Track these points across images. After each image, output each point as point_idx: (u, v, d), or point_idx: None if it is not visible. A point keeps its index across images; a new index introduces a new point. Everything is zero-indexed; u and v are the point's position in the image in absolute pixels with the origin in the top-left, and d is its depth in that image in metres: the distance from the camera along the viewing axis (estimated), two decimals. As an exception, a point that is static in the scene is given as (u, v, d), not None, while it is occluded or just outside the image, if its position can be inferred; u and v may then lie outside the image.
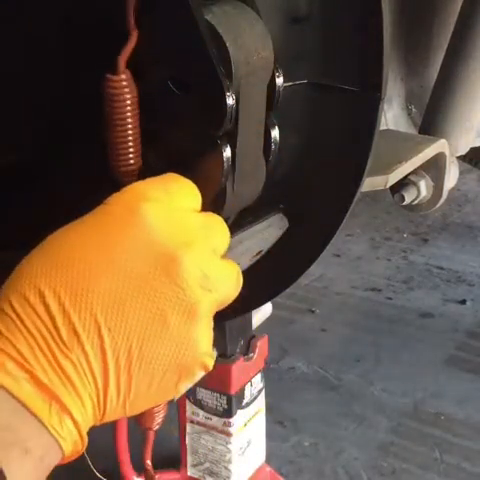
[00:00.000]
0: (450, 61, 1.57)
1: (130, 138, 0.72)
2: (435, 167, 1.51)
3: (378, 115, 0.87)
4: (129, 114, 0.71)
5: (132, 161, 0.73)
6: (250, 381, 1.85)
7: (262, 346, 1.85)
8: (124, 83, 0.70)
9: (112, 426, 1.94)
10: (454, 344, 2.68)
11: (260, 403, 1.91)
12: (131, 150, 0.72)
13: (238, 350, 1.79)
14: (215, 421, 1.84)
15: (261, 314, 1.81)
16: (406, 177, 1.49)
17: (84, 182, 0.81)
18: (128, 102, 0.70)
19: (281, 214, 0.90)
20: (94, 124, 0.76)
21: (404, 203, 1.56)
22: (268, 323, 1.82)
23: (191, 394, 1.83)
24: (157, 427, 1.13)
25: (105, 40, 0.71)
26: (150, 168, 0.74)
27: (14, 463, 0.53)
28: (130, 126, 0.71)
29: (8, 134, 0.82)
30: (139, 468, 2.00)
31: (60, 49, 0.75)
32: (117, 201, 0.64)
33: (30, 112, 0.81)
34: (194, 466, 1.93)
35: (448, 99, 1.57)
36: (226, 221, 0.78)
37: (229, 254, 0.84)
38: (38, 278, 0.58)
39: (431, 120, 1.60)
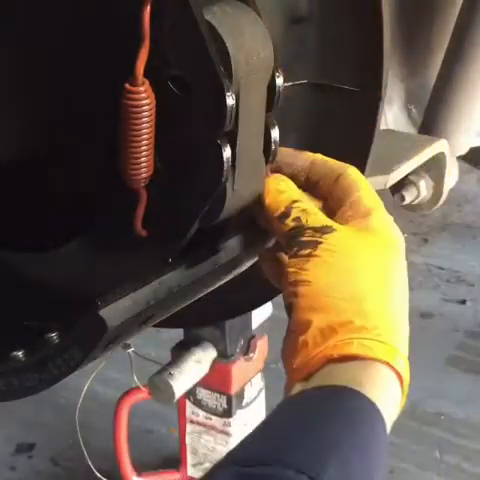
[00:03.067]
0: (450, 61, 1.57)
1: (144, 148, 0.71)
2: (435, 167, 1.51)
3: (378, 115, 0.87)
4: (146, 125, 0.70)
5: (144, 170, 0.73)
6: (250, 381, 1.85)
7: (262, 346, 1.85)
8: (143, 95, 0.69)
9: (112, 426, 1.95)
10: (454, 344, 2.69)
11: (260, 403, 1.91)
12: (144, 160, 0.72)
13: (238, 350, 1.79)
14: (215, 421, 1.84)
15: (261, 314, 1.81)
16: (406, 177, 1.49)
17: (84, 181, 0.81)
18: (146, 113, 0.70)
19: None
20: (96, 124, 0.76)
21: (404, 203, 1.56)
22: (268, 323, 1.82)
23: (191, 394, 1.83)
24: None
25: (110, 40, 0.71)
26: (155, 169, 0.74)
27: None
28: (146, 136, 0.71)
29: (8, 134, 0.83)
30: (139, 468, 2.00)
31: (64, 48, 0.75)
32: None
33: (30, 111, 0.81)
34: (194, 466, 1.94)
35: (448, 99, 1.57)
36: (226, 221, 0.78)
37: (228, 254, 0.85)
38: None
39: (431, 120, 1.60)
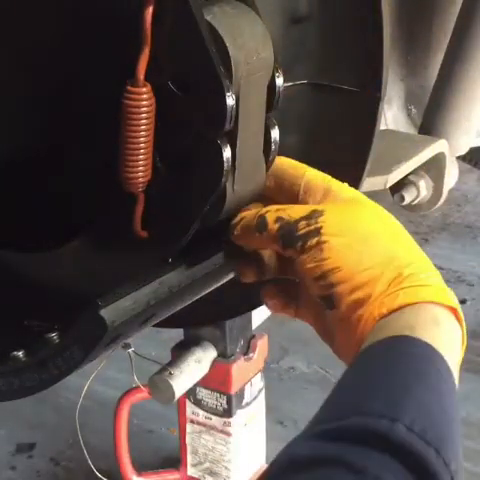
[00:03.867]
0: (450, 61, 1.57)
1: (142, 151, 0.71)
2: (435, 167, 1.51)
3: (378, 115, 0.87)
4: (144, 127, 0.70)
5: (141, 174, 0.73)
6: (250, 381, 1.85)
7: (262, 346, 1.85)
8: (144, 96, 0.70)
9: (112, 426, 1.94)
10: (454, 344, 2.67)
11: (260, 403, 1.91)
12: (142, 163, 0.72)
13: (238, 350, 1.79)
14: (215, 421, 1.84)
15: (261, 314, 1.81)
16: (406, 177, 1.49)
17: (84, 182, 0.81)
18: (144, 115, 0.70)
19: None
20: (98, 124, 0.76)
21: (404, 203, 1.56)
22: (268, 323, 1.82)
23: (191, 394, 1.83)
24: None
25: (111, 41, 0.71)
26: (155, 169, 0.74)
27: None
28: (143, 139, 0.71)
29: (8, 133, 0.83)
30: (139, 468, 2.00)
31: (65, 48, 0.75)
32: None
33: (30, 111, 0.81)
34: (194, 466, 1.94)
35: (448, 99, 1.57)
36: (226, 221, 0.78)
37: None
38: None
39: (431, 120, 1.60)
